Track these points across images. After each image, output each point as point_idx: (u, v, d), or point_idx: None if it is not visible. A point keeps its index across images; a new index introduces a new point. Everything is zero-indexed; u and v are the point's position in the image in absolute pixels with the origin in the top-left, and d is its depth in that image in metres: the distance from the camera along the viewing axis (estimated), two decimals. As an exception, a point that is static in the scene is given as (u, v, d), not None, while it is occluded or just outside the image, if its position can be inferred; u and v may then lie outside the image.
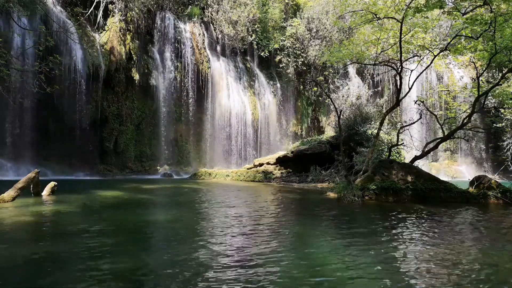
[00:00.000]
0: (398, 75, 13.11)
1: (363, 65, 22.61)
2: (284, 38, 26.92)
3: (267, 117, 26.29)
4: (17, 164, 17.01)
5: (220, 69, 24.69)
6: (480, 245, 5.13)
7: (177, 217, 7.21)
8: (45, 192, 9.37)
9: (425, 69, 13.92)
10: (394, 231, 5.98)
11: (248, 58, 27.04)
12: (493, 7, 10.28)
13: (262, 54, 26.42)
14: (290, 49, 27.06)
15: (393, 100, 22.54)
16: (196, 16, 24.57)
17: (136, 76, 21.28)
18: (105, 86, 20.14)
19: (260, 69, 27.34)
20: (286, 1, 28.26)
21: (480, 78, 12.75)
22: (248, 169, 19.53)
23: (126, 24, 21.18)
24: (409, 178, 10.36)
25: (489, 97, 14.96)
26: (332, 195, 10.92)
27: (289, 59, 27.14)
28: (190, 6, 24.84)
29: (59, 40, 17.84)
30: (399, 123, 19.56)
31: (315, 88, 27.22)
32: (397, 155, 17.27)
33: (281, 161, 19.28)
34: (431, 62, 12.87)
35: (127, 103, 21.17)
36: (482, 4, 10.76)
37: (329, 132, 25.70)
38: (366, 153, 13.81)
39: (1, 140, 17.03)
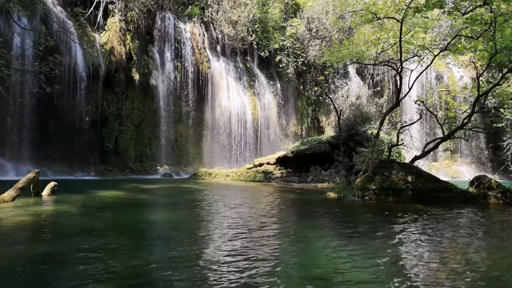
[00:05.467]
0: (398, 75, 13.11)
1: (363, 65, 22.62)
2: (284, 38, 26.92)
3: (267, 117, 26.29)
4: (17, 164, 17.00)
5: (220, 69, 24.68)
6: (480, 245, 5.13)
7: (177, 217, 7.21)
8: (45, 192, 9.36)
9: (425, 69, 13.92)
10: (394, 231, 5.98)
11: (248, 58, 27.04)
12: (493, 7, 10.28)
13: (262, 54, 26.41)
14: (290, 49, 27.06)
15: (393, 100, 22.53)
16: (196, 16, 24.57)
17: (136, 76, 21.28)
18: (105, 86, 20.12)
19: (260, 69, 27.33)
20: (286, 1, 28.25)
21: (480, 78, 12.75)
22: (248, 169, 19.53)
23: (126, 24, 21.18)
24: (409, 178, 10.36)
25: (489, 97, 14.95)
26: (332, 195, 10.92)
27: (289, 59, 27.14)
28: (190, 6, 24.83)
29: (59, 40, 17.83)
30: (399, 123, 19.55)
31: (315, 88, 27.23)
32: (397, 155, 17.28)
33: (281, 161, 19.27)
34: (431, 62, 12.87)
35: (127, 103, 21.16)
36: (482, 4, 10.76)
37: (329, 132, 25.70)
38: (366, 153, 13.82)
39: (1, 140, 17.01)
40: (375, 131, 14.54)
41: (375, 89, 28.16)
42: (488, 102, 15.78)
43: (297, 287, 3.36)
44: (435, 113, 15.10)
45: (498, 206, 9.37)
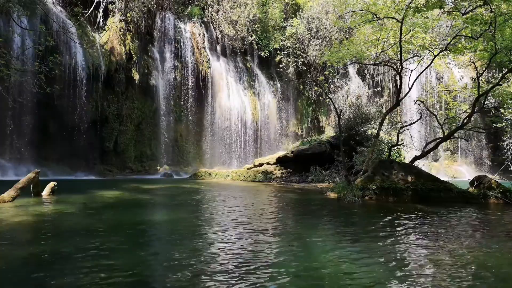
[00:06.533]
0: (398, 75, 13.11)
1: (363, 65, 22.63)
2: (284, 38, 26.91)
3: (267, 117, 26.28)
4: (17, 164, 16.99)
5: (220, 69, 24.68)
6: (480, 245, 5.13)
7: (177, 217, 7.21)
8: (45, 192, 9.37)
9: (425, 69, 13.93)
10: (394, 232, 5.98)
11: (248, 58, 27.03)
12: (493, 7, 10.27)
13: (262, 54, 26.40)
14: (290, 49, 27.05)
15: (393, 100, 22.54)
16: (196, 16, 24.56)
17: (136, 76, 21.27)
18: (105, 86, 20.11)
19: (260, 69, 27.33)
20: (286, 1, 28.25)
21: (480, 78, 12.75)
22: (248, 169, 19.53)
23: (126, 24, 21.17)
24: (409, 178, 10.36)
25: (489, 97, 14.95)
26: (332, 195, 10.92)
27: (289, 59, 27.13)
28: (190, 6, 24.83)
29: (59, 40, 17.82)
30: (399, 123, 19.55)
31: (315, 88, 27.22)
32: (397, 155, 17.28)
33: (281, 161, 19.27)
34: (431, 62, 12.88)
35: (127, 103, 21.15)
36: (482, 4, 10.75)
37: (329, 132, 25.70)
38: (366, 153, 13.82)
39: (1, 140, 17.01)
40: (375, 131, 14.54)
41: (375, 89, 28.15)
42: (488, 102, 15.77)
43: (296, 286, 3.36)
44: (435, 113, 15.10)
45: (498, 206, 9.37)
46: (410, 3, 11.28)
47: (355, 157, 14.66)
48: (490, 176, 11.43)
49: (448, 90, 24.39)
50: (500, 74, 13.10)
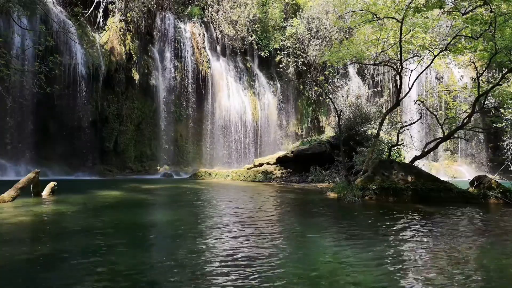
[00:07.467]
0: (398, 75, 13.11)
1: (363, 65, 22.62)
2: (284, 38, 26.90)
3: (267, 117, 26.28)
4: (17, 164, 16.99)
5: (220, 69, 24.67)
6: (480, 245, 5.13)
7: (177, 217, 7.21)
8: (45, 192, 9.36)
9: (425, 69, 13.93)
10: (394, 232, 5.98)
11: (248, 58, 27.02)
12: (493, 7, 10.27)
13: (262, 54, 26.39)
14: (290, 49, 27.04)
15: (393, 100, 22.52)
16: (196, 16, 24.56)
17: (136, 76, 21.27)
18: (105, 86, 20.11)
19: (260, 69, 27.32)
20: (286, 1, 28.24)
21: (480, 78, 12.75)
22: (248, 169, 19.52)
23: (126, 24, 21.16)
24: (409, 178, 10.36)
25: (489, 97, 14.94)
26: (332, 195, 10.92)
27: (289, 59, 27.12)
28: (190, 6, 24.83)
29: (59, 40, 17.82)
30: (399, 123, 19.54)
31: (315, 88, 27.21)
32: (397, 155, 17.28)
33: (281, 161, 19.27)
34: (431, 62, 12.88)
35: (127, 103, 21.14)
36: (482, 4, 10.75)
37: (329, 132, 25.68)
38: (366, 153, 13.82)
39: (1, 140, 17.01)
40: (375, 131, 14.54)
41: (375, 89, 28.14)
42: (488, 102, 15.76)
43: (296, 286, 3.36)
44: (435, 113, 15.10)
45: (498, 206, 9.37)
46: (410, 3, 11.28)
47: (355, 157, 14.66)
48: (490, 176, 11.43)
49: (448, 90, 24.39)
50: (500, 74, 13.10)
